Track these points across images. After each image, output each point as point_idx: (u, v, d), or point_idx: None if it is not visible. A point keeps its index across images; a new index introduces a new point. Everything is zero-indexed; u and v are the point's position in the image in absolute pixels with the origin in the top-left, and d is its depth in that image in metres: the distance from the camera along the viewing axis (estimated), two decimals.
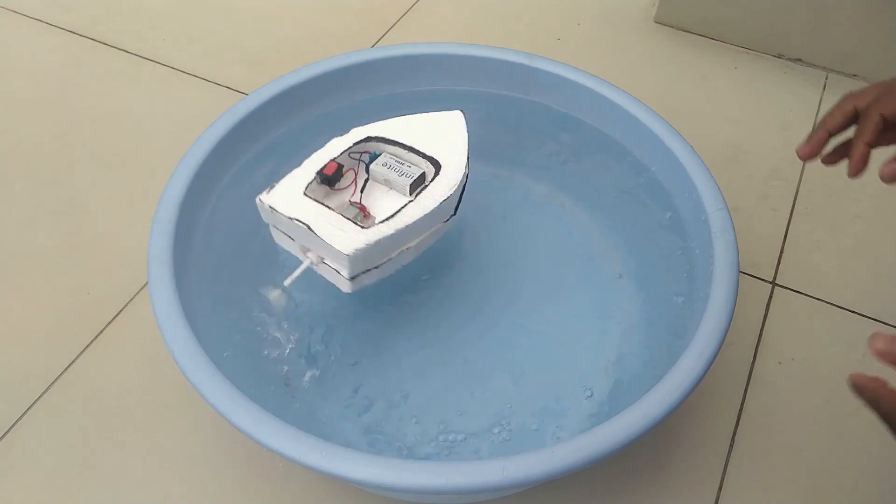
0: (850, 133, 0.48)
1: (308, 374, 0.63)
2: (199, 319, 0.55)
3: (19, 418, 0.64)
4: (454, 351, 0.65)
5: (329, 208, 0.54)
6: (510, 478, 0.45)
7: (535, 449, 0.46)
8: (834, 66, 0.98)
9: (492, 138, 0.62)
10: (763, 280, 0.76)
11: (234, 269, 0.66)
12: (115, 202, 0.80)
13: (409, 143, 0.59)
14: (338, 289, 0.57)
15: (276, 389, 0.62)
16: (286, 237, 0.57)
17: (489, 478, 0.45)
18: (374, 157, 0.59)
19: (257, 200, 0.55)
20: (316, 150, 0.59)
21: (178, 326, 0.52)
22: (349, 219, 0.54)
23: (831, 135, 0.49)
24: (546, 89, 0.72)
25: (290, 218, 0.53)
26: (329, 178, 0.57)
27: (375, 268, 0.56)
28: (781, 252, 0.78)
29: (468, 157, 0.61)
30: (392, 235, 0.54)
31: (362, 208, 0.57)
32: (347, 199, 0.58)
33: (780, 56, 1.00)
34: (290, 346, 0.64)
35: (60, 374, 0.67)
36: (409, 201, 0.56)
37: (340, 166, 0.57)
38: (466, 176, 0.60)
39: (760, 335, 0.71)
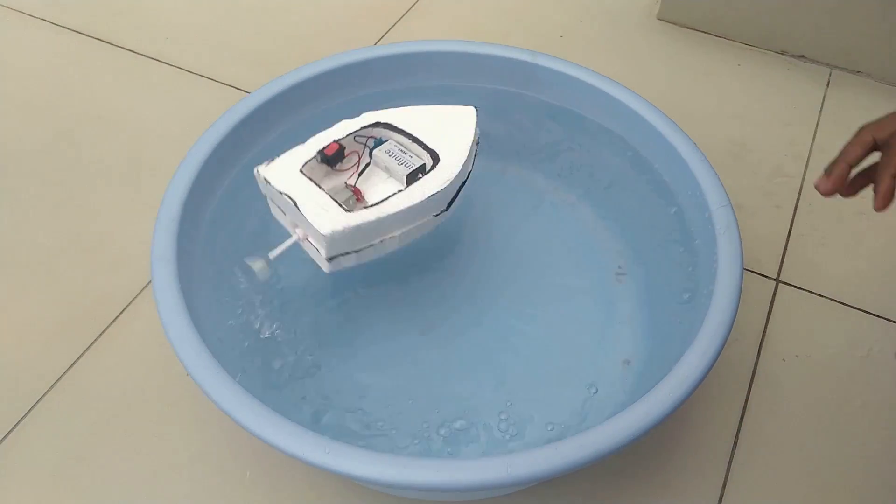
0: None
1: (300, 364, 0.63)
2: (202, 318, 0.55)
3: (22, 417, 0.64)
4: (454, 347, 0.65)
5: (319, 187, 0.54)
6: (515, 475, 0.45)
7: (539, 446, 0.46)
8: (838, 63, 0.97)
9: (494, 134, 0.62)
10: (767, 277, 0.76)
11: (236, 267, 0.66)
12: (117, 201, 0.80)
13: (414, 134, 0.59)
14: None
15: (281, 389, 0.62)
16: (279, 211, 0.58)
17: (494, 475, 0.45)
18: (379, 142, 0.60)
19: (255, 171, 0.56)
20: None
21: (181, 325, 0.52)
22: (336, 200, 0.54)
23: (852, 167, 0.48)
24: (549, 86, 0.72)
25: (279, 192, 0.54)
26: (329, 158, 0.57)
27: (355, 252, 0.55)
28: (785, 249, 0.78)
29: (474, 155, 0.60)
30: (374, 222, 0.54)
31: (356, 191, 0.57)
32: (344, 181, 0.58)
33: (783, 53, 1.00)
34: (293, 349, 0.64)
35: (63, 374, 0.67)
36: (399, 190, 0.56)
37: (342, 147, 0.57)
38: (469, 174, 0.60)
39: (764, 332, 0.71)
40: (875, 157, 0.48)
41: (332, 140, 0.57)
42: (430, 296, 0.69)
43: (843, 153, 0.48)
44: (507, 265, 0.71)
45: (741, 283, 0.56)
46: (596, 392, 0.62)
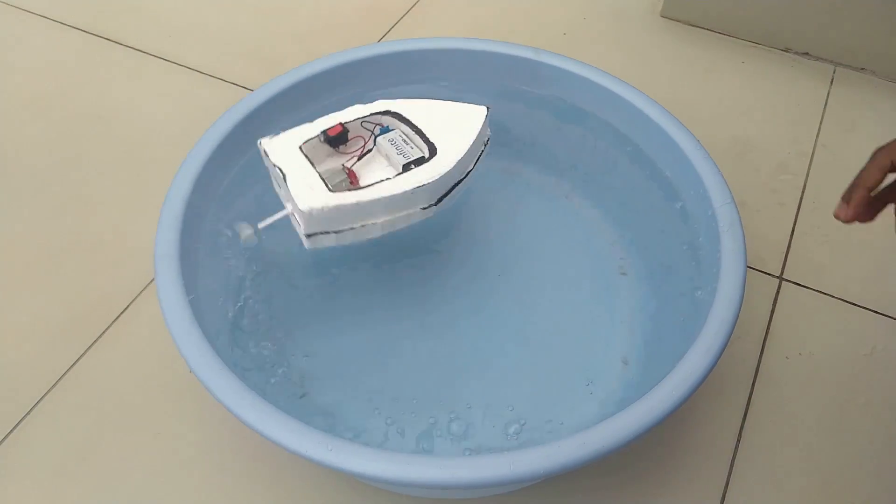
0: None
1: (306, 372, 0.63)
2: (205, 315, 0.55)
3: (25, 416, 0.64)
4: (455, 344, 0.65)
5: (312, 165, 0.56)
6: (517, 472, 0.45)
7: (541, 444, 0.46)
8: (842, 60, 0.97)
9: (496, 130, 0.62)
10: (770, 275, 0.76)
11: (240, 262, 0.66)
12: (120, 198, 0.81)
13: (419, 126, 0.59)
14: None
15: (287, 391, 0.62)
16: (276, 184, 0.59)
17: (497, 472, 0.45)
18: (385, 130, 0.60)
19: (258, 142, 0.58)
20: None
21: (184, 322, 0.52)
22: (324, 179, 0.55)
23: (871, 192, 0.47)
24: (552, 83, 0.72)
25: (273, 164, 0.56)
26: (331, 139, 0.58)
27: (335, 232, 0.56)
28: (789, 247, 0.78)
29: (478, 155, 0.61)
30: (355, 205, 0.54)
31: (351, 174, 0.58)
32: (342, 164, 0.59)
33: (787, 50, 0.99)
34: (292, 349, 0.64)
35: (66, 372, 0.67)
36: (387, 178, 0.56)
37: (346, 130, 0.58)
38: (468, 173, 0.60)
39: (768, 330, 0.71)
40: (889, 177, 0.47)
41: (337, 122, 0.59)
42: (426, 290, 0.69)
43: (860, 178, 0.47)
44: (507, 261, 0.71)
45: (745, 280, 0.55)
46: (595, 389, 0.62)
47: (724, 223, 0.59)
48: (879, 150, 0.47)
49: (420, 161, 0.57)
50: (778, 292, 0.74)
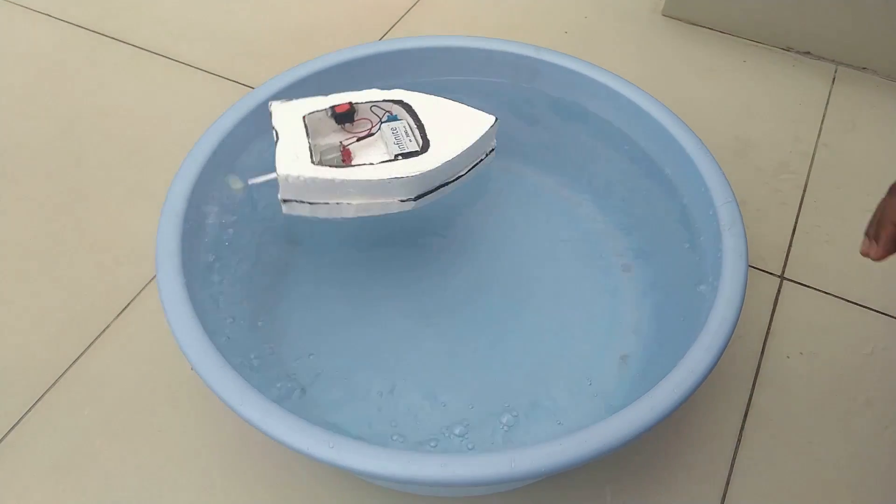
0: None
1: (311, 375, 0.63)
2: (207, 312, 0.55)
3: (27, 412, 0.64)
4: (455, 341, 0.65)
5: (307, 136, 0.58)
6: (518, 470, 0.45)
7: (543, 442, 0.46)
8: (843, 59, 0.97)
9: (498, 129, 0.62)
10: (771, 274, 0.76)
11: (241, 261, 0.66)
12: (121, 196, 0.81)
13: (423, 121, 0.60)
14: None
15: (288, 391, 0.62)
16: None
17: (497, 470, 0.45)
18: (392, 118, 0.61)
19: (269, 103, 0.60)
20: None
21: (186, 320, 0.52)
22: (312, 151, 0.57)
23: None
24: (553, 81, 0.72)
25: (272, 126, 0.58)
26: (338, 116, 0.60)
27: (310, 203, 0.58)
28: (790, 246, 0.78)
29: (473, 163, 0.61)
30: (330, 181, 0.56)
31: (345, 152, 0.59)
32: (340, 141, 0.60)
33: (788, 49, 0.99)
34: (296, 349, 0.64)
35: (68, 368, 0.67)
36: (370, 164, 0.57)
37: (354, 110, 0.60)
38: (458, 177, 0.60)
39: (769, 329, 0.71)
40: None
41: (348, 101, 0.60)
42: (430, 287, 0.69)
43: (886, 214, 0.45)
44: (509, 259, 0.71)
45: (746, 278, 0.55)
46: (596, 387, 0.62)
47: (725, 222, 0.59)
48: None
49: (410, 155, 0.58)
50: (779, 291, 0.74)
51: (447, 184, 0.60)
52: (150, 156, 0.84)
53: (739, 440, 0.64)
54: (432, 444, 0.59)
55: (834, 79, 0.96)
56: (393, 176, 0.56)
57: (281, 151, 0.56)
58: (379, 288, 0.69)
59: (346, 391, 0.62)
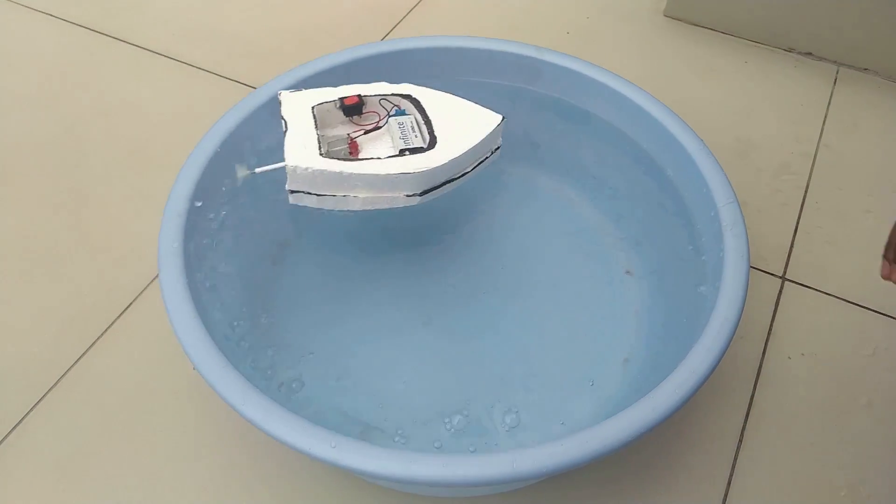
0: None
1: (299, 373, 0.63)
2: (209, 312, 0.55)
3: (29, 411, 0.64)
4: (457, 342, 0.65)
5: (316, 127, 0.58)
6: (519, 471, 0.45)
7: (544, 442, 0.46)
8: (845, 60, 0.97)
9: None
10: (773, 275, 0.76)
11: (243, 260, 0.66)
12: (124, 196, 0.81)
13: (430, 117, 0.60)
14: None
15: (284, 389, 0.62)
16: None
17: (499, 470, 0.45)
18: (400, 113, 0.61)
19: (278, 93, 0.61)
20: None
21: (188, 319, 0.52)
22: (320, 143, 0.57)
23: None
24: (554, 82, 0.72)
25: (281, 116, 0.58)
26: (346, 108, 0.60)
27: (317, 195, 0.58)
28: (791, 247, 0.78)
29: (480, 160, 0.61)
30: (337, 174, 0.56)
31: (353, 145, 0.59)
32: (347, 133, 0.60)
33: (790, 50, 0.99)
34: (298, 348, 0.64)
35: (69, 368, 0.67)
36: (376, 158, 0.57)
37: (362, 103, 0.60)
38: (463, 174, 0.60)
39: (770, 330, 0.71)
40: None
41: (357, 93, 0.61)
42: (431, 287, 0.69)
43: None
44: (511, 260, 0.71)
45: (748, 279, 0.55)
46: (598, 388, 0.62)
47: (726, 223, 0.59)
48: None
49: (417, 150, 0.58)
50: (780, 292, 0.74)
51: (453, 180, 0.60)
52: (152, 155, 0.85)
53: (741, 441, 0.64)
54: (435, 444, 0.59)
55: (835, 80, 0.96)
56: (401, 171, 0.56)
57: (290, 142, 0.57)
58: (380, 288, 0.69)
59: (347, 391, 0.62)
